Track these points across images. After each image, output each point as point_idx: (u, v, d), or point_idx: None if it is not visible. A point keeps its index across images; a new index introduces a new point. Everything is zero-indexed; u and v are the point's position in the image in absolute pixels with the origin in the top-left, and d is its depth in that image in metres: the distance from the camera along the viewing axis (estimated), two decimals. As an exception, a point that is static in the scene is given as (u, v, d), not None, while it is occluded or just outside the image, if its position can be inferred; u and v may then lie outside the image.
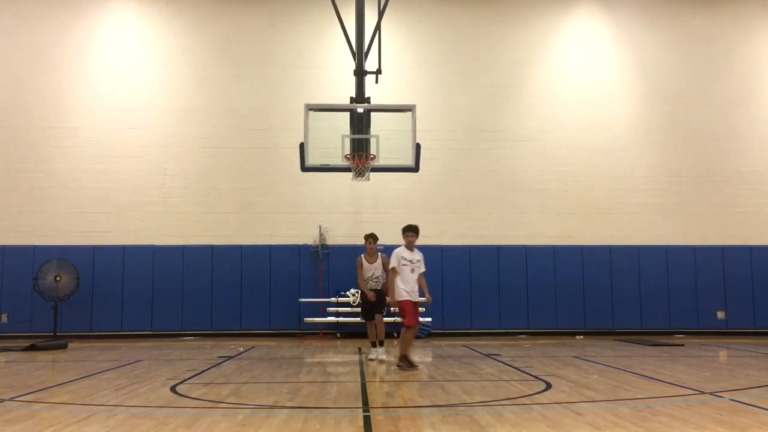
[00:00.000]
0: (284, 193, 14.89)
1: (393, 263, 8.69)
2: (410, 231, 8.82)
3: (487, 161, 15.43)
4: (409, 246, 8.77)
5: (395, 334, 12.57)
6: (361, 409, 5.92)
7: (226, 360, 9.99)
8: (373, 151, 10.15)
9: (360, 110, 10.32)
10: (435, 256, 14.86)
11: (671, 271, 15.13)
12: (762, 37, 16.18)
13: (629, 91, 15.91)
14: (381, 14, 11.34)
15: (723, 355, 11.16)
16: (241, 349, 11.87)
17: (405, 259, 8.65)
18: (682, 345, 12.60)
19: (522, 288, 14.91)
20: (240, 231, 14.68)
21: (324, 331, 14.51)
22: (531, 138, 15.52)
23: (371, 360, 9.82)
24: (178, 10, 15.46)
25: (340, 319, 14.25)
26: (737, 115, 15.92)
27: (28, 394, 6.79)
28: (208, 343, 13.14)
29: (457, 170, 15.35)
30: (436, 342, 13.42)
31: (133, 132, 15.05)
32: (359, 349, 11.97)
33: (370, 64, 11.14)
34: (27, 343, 11.97)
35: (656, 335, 14.33)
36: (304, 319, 14.24)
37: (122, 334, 14.19)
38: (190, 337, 14.22)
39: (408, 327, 8.62)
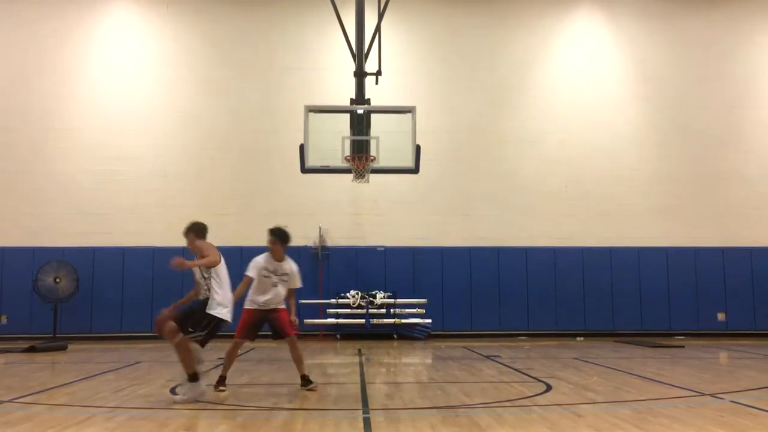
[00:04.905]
0: (284, 194, 14.88)
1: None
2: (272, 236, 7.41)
3: (487, 162, 15.42)
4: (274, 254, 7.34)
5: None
6: (360, 411, 5.91)
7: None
8: (373, 152, 10.13)
9: (360, 112, 10.31)
10: (435, 257, 14.90)
11: (671, 273, 15.12)
12: (762, 38, 16.17)
13: (629, 92, 15.90)
14: (381, 16, 11.33)
15: (723, 356, 11.15)
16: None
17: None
18: (683, 346, 12.60)
19: (522, 289, 14.89)
20: (240, 232, 14.62)
21: (324, 333, 14.50)
22: (531, 139, 15.51)
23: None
24: (177, 11, 15.45)
25: (340, 320, 14.25)
26: (737, 117, 15.91)
27: (27, 395, 6.78)
28: (208, 345, 13.10)
29: (457, 171, 15.34)
30: (435, 343, 13.41)
31: (133, 133, 15.04)
32: (359, 350, 11.96)
33: (370, 66, 11.13)
34: (26, 345, 11.95)
35: (657, 337, 14.31)
36: (304, 320, 14.19)
37: (122, 336, 14.17)
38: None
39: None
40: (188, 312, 6.65)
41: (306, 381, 7.27)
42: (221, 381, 7.23)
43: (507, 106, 15.66)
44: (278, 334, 7.35)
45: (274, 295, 7.27)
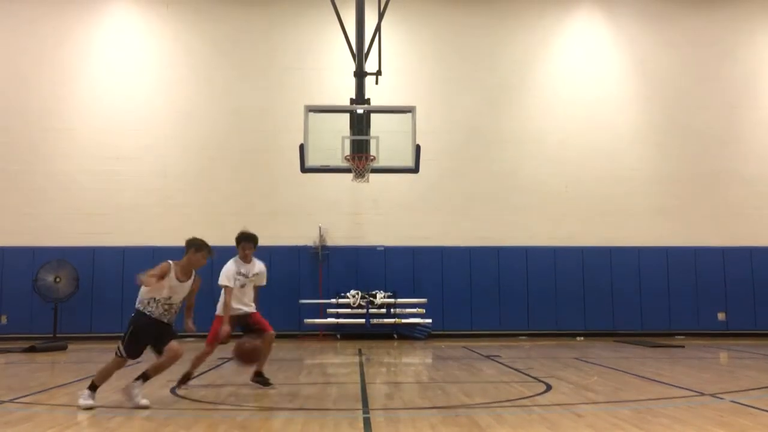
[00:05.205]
0: (284, 194, 14.89)
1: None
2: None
3: (488, 162, 15.42)
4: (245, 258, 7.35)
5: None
6: (361, 411, 5.91)
7: (226, 362, 9.97)
8: (373, 152, 10.13)
9: (360, 111, 10.29)
10: (435, 257, 14.91)
11: (671, 273, 15.12)
12: (762, 38, 16.17)
13: (629, 92, 15.90)
14: (381, 15, 11.32)
15: (723, 356, 11.15)
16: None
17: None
18: (683, 346, 12.59)
19: (522, 289, 14.90)
20: (240, 232, 14.67)
21: (324, 333, 14.50)
22: (531, 139, 15.51)
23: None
24: (177, 11, 15.45)
25: (340, 320, 14.25)
26: (738, 117, 15.91)
27: (27, 395, 6.78)
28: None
29: (457, 171, 15.34)
30: (436, 343, 13.41)
31: (132, 133, 15.04)
32: (359, 350, 11.95)
33: (371, 66, 11.12)
34: (26, 345, 11.95)
35: (657, 337, 14.30)
36: (304, 320, 14.22)
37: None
38: (189, 339, 14.17)
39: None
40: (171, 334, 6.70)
41: (263, 379, 7.27)
42: (185, 380, 7.24)
43: (507, 106, 15.66)
44: (256, 334, 7.26)
45: (247, 298, 7.30)
